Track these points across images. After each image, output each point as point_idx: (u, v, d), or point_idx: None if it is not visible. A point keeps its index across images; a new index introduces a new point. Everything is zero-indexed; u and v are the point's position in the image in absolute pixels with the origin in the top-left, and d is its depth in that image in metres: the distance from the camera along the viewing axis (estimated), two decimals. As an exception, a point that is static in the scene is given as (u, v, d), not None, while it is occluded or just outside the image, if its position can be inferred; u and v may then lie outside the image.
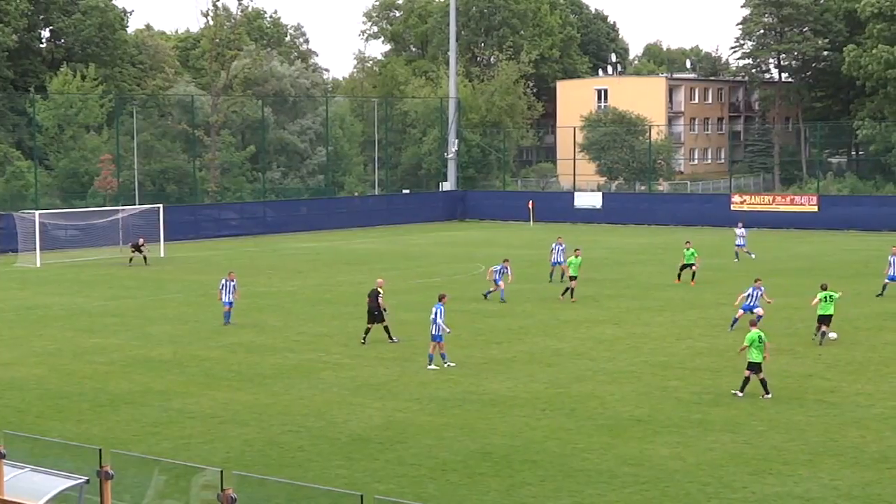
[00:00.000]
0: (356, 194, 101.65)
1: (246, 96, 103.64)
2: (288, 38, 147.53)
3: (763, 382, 30.97)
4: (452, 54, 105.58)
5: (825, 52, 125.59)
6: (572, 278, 49.53)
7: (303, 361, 36.57)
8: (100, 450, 19.06)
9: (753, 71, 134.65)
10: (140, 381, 33.81)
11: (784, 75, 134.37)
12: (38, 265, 65.14)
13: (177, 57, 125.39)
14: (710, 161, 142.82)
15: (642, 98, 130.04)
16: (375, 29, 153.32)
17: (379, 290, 39.82)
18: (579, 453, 25.85)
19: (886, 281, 49.77)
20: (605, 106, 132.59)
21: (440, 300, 35.77)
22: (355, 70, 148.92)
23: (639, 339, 39.51)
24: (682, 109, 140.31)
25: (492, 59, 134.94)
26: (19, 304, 50.23)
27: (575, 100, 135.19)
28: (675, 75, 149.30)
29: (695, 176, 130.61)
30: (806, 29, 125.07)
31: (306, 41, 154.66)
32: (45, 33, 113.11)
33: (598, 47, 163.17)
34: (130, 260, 65.44)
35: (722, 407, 29.81)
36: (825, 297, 38.55)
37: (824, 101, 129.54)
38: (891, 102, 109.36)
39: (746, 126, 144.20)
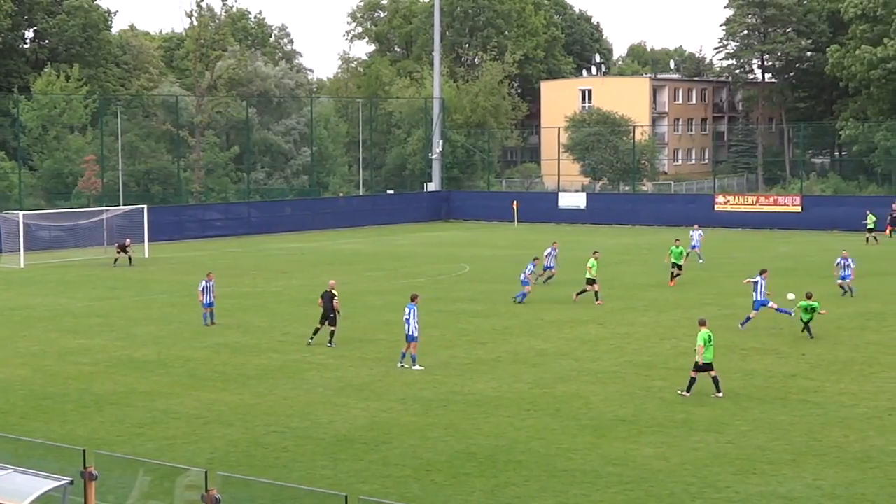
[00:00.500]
0: (341, 195, 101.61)
1: (230, 97, 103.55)
2: (272, 39, 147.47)
3: (715, 380, 31.06)
4: (437, 55, 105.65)
5: (808, 53, 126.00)
6: (591, 281, 48.88)
7: (287, 362, 36.56)
8: (84, 451, 19.03)
9: (737, 71, 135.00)
10: (124, 382, 33.77)
11: (767, 76, 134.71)
12: (22, 266, 64.98)
13: (161, 57, 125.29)
14: (693, 161, 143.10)
15: (626, 98, 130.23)
16: (360, 29, 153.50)
17: (333, 291, 39.47)
18: (564, 453, 25.89)
19: (839, 282, 50.04)
20: (589, 106, 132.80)
21: (412, 300, 35.65)
22: (340, 70, 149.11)
23: (623, 340, 39.58)
24: (666, 110, 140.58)
25: (476, 59, 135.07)
26: (3, 305, 50.12)
27: (559, 100, 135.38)
28: (659, 76, 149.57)
29: (679, 176, 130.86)
30: (789, 29, 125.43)
31: (291, 42, 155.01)
32: (29, 34, 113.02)
33: (582, 48, 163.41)
34: (115, 261, 65.33)
35: (706, 407, 29.87)
36: (806, 308, 38.68)
37: (808, 101, 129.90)
38: (874, 103, 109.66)
39: (730, 126, 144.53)
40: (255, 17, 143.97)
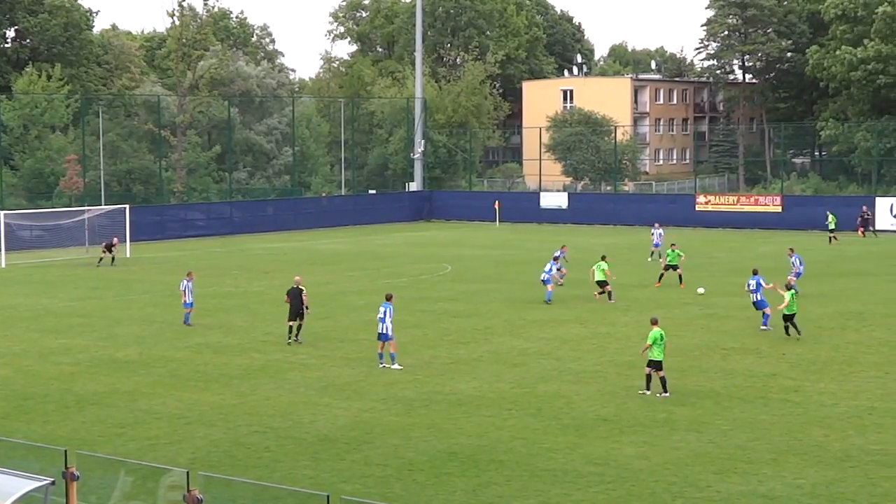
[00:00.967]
0: (324, 195, 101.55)
1: (212, 96, 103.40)
2: (254, 39, 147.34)
3: (663, 380, 31.23)
4: (419, 55, 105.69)
5: (789, 54, 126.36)
6: (602, 283, 48.90)
7: (269, 362, 36.55)
8: (65, 451, 19.01)
9: (718, 72, 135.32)
10: (106, 382, 33.73)
11: (748, 76, 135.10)
12: (3, 266, 64.84)
13: (143, 57, 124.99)
14: (675, 161, 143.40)
15: (608, 99, 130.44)
16: (342, 29, 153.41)
17: (301, 287, 39.86)
18: (545, 453, 25.94)
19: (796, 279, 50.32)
20: (570, 106, 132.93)
21: (388, 300, 35.65)
22: (322, 70, 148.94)
23: (604, 339, 39.67)
24: (648, 110, 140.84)
25: (458, 59, 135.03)
26: (-16, 305, 50.00)
27: (541, 100, 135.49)
28: (641, 76, 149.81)
29: (660, 176, 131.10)
30: (770, 30, 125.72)
31: (272, 41, 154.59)
32: (10, 33, 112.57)
33: (563, 48, 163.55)
34: (100, 260, 65.24)
35: (687, 406, 29.96)
36: (794, 296, 38.86)
37: (788, 101, 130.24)
38: (854, 103, 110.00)
39: (711, 127, 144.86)
40: (237, 17, 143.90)
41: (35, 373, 35.34)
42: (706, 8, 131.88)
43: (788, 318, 39.10)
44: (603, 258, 50.22)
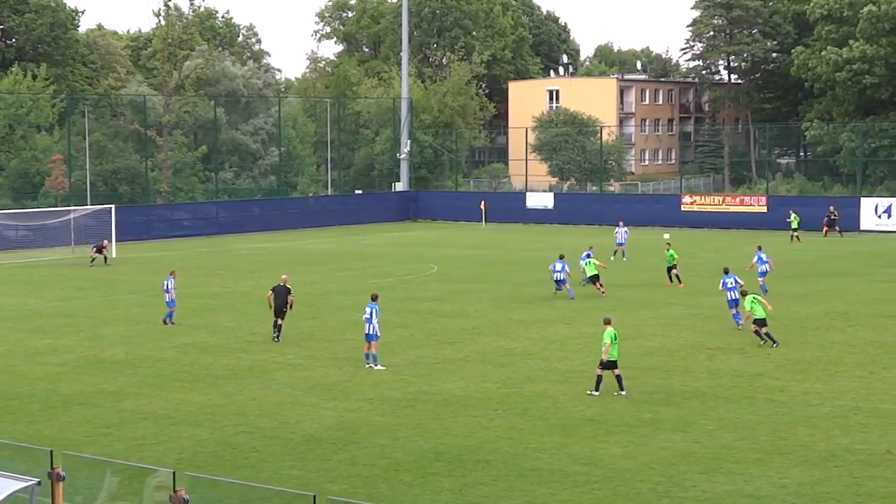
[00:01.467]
0: (311, 195, 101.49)
1: (198, 96, 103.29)
2: (240, 39, 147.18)
3: (619, 378, 31.36)
4: (405, 55, 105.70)
5: (774, 54, 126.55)
6: (595, 277, 50.35)
7: (256, 362, 36.54)
8: (51, 451, 18.99)
9: (703, 72, 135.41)
10: (92, 382, 33.69)
11: (734, 77, 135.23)
12: (-12, 266, 64.73)
13: (129, 57, 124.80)
14: (660, 162, 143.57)
15: (593, 99, 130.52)
16: (328, 29, 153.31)
17: (289, 286, 40.19)
18: (532, 453, 25.98)
19: (761, 278, 50.51)
20: (556, 107, 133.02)
21: (374, 300, 35.64)
22: (308, 70, 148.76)
23: (590, 339, 39.65)
24: (633, 110, 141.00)
25: (444, 59, 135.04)
26: (-31, 306, 49.91)
27: (527, 100, 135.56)
28: (626, 76, 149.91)
29: (646, 176, 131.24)
30: (755, 31, 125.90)
31: (258, 41, 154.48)
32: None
33: (549, 48, 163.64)
34: (92, 261, 65.22)
35: (673, 406, 30.03)
36: (753, 300, 38.53)
37: (773, 102, 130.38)
38: (839, 104, 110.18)
39: (696, 127, 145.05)
40: (223, 17, 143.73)
41: (21, 373, 35.29)
42: (692, 8, 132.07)
43: (760, 324, 38.23)
44: (591, 248, 52.08)
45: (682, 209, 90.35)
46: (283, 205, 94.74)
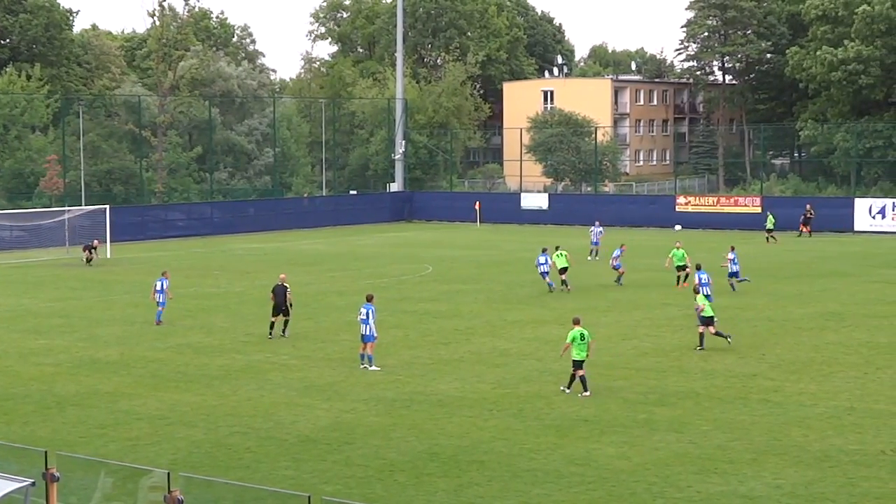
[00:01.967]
0: (305, 195, 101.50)
1: (193, 97, 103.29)
2: (235, 39, 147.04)
3: (583, 379, 31.49)
4: (399, 55, 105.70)
5: (769, 55, 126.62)
6: (564, 269, 51.91)
7: (250, 363, 36.54)
8: (46, 452, 18.99)
9: (698, 73, 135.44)
10: (87, 383, 33.68)
11: (728, 77, 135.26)
12: (-17, 266, 64.66)
13: (123, 57, 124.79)
14: (655, 162, 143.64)
15: (588, 100, 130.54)
16: (323, 30, 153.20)
17: (285, 284, 40.57)
18: (526, 453, 26.00)
19: (730, 278, 51.09)
20: (551, 107, 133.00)
21: (369, 301, 35.62)
22: (302, 71, 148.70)
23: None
24: (628, 111, 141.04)
25: (439, 60, 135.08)
26: (-37, 306, 49.87)
27: (521, 101, 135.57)
28: (621, 77, 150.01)
29: (640, 177, 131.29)
30: (749, 31, 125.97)
31: (253, 42, 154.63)
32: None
33: (544, 49, 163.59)
34: (90, 261, 65.23)
35: (667, 407, 30.05)
36: (706, 300, 38.51)
37: (768, 103, 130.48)
38: (833, 104, 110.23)
39: (691, 128, 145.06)
40: (218, 17, 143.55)
41: (15, 373, 35.27)
42: (686, 9, 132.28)
43: (707, 322, 37.99)
44: (557, 248, 52.95)
45: (677, 210, 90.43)
46: (277, 205, 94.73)
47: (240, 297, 51.96)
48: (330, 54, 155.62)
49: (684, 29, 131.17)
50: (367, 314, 34.87)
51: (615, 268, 54.06)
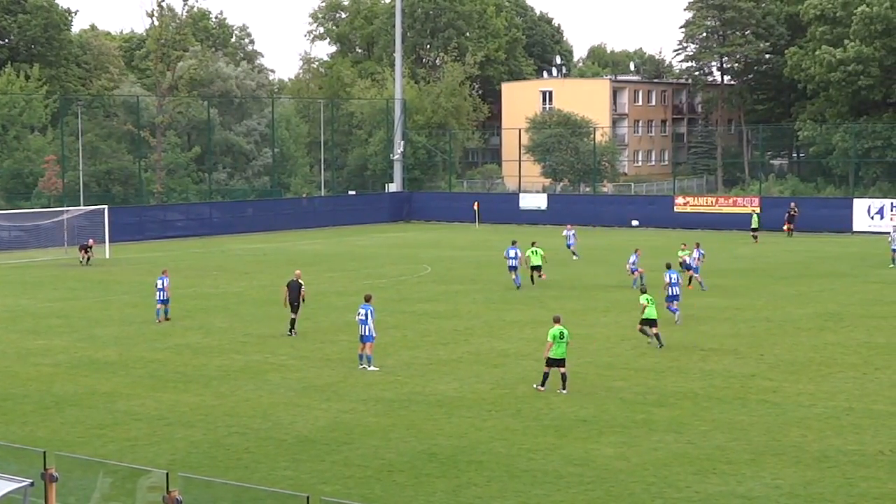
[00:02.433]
0: (304, 196, 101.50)
1: (191, 97, 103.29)
2: (233, 39, 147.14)
3: (563, 377, 31.61)
4: (398, 56, 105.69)
5: (767, 55, 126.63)
6: (538, 267, 53.49)
7: (249, 363, 36.54)
8: (44, 452, 18.99)
9: (696, 73, 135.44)
10: (85, 383, 33.67)
11: (727, 78, 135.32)
12: (-19, 267, 64.63)
13: (122, 57, 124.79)
14: (653, 163, 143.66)
15: (587, 100, 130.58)
16: (321, 30, 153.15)
17: (300, 281, 41.08)
18: (525, 454, 26.00)
19: (694, 275, 51.81)
20: (549, 108, 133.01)
21: (367, 301, 35.59)
22: (301, 71, 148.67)
23: (583, 340, 39.68)
24: (626, 111, 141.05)
25: (437, 60, 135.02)
26: (-38, 306, 49.84)
27: (520, 102, 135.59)
28: (619, 77, 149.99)
29: (639, 177, 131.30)
30: (748, 32, 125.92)
31: (252, 42, 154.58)
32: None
33: (543, 49, 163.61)
34: (87, 260, 65.24)
35: (666, 407, 30.05)
36: (648, 300, 38.50)
37: (766, 103, 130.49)
38: (832, 105, 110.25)
39: (689, 128, 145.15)
40: (216, 18, 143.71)
41: (14, 374, 35.26)
42: (685, 10, 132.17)
43: (648, 323, 38.12)
44: (533, 244, 54.59)
45: (675, 210, 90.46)
46: (276, 206, 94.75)
47: (238, 297, 51.96)
48: (328, 55, 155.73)
49: (683, 29, 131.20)
50: (367, 315, 34.83)
51: (634, 272, 53.10)
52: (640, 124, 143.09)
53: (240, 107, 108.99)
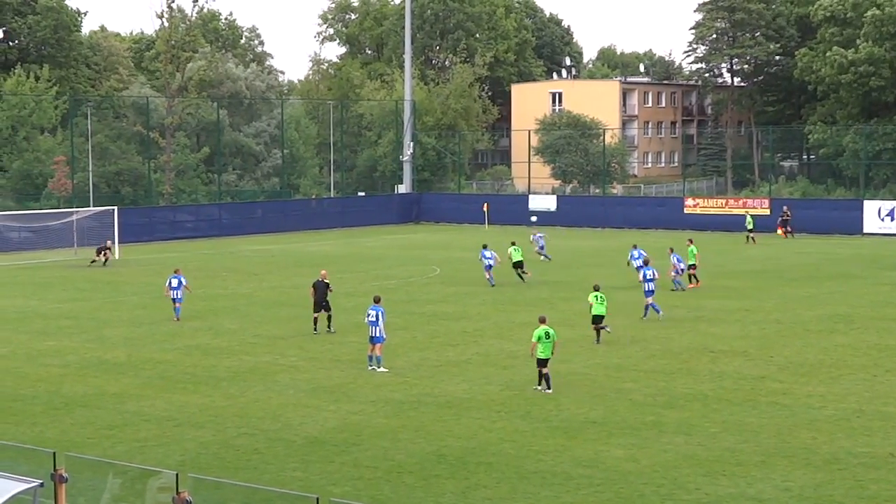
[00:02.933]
0: (313, 197, 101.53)
1: (201, 98, 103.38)
2: (243, 40, 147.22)
3: (546, 377, 31.82)
4: (408, 57, 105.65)
5: (777, 57, 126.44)
6: (519, 264, 55.15)
7: (258, 364, 36.54)
8: (54, 453, 18.98)
9: (706, 75, 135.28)
10: (95, 384, 33.69)
11: (737, 79, 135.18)
12: (-9, 267, 64.71)
13: (131, 58, 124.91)
14: (663, 164, 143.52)
15: (596, 101, 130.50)
16: (331, 31, 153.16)
17: (327, 281, 41.85)
18: (534, 455, 25.97)
19: (674, 275, 52.09)
20: (559, 109, 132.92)
21: (376, 302, 35.61)
22: (311, 72, 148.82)
23: (593, 341, 39.66)
24: (636, 113, 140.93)
25: (447, 62, 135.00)
26: (-28, 307, 49.89)
27: (530, 103, 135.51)
28: (629, 79, 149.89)
29: (648, 179, 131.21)
30: (758, 34, 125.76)
31: (261, 43, 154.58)
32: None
33: (552, 51, 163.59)
34: (106, 261, 65.33)
35: (676, 409, 30.00)
36: (596, 298, 38.82)
37: (776, 105, 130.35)
38: (842, 106, 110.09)
39: (699, 130, 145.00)
40: (226, 19, 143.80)
41: (23, 374, 35.29)
42: (695, 11, 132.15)
43: (597, 321, 39.22)
44: (513, 244, 56.04)
45: (685, 212, 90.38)
46: (285, 207, 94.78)
47: (248, 298, 51.98)
48: (338, 56, 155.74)
49: (693, 31, 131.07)
50: (377, 316, 34.85)
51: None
52: (650, 126, 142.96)
53: (249, 108, 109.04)
